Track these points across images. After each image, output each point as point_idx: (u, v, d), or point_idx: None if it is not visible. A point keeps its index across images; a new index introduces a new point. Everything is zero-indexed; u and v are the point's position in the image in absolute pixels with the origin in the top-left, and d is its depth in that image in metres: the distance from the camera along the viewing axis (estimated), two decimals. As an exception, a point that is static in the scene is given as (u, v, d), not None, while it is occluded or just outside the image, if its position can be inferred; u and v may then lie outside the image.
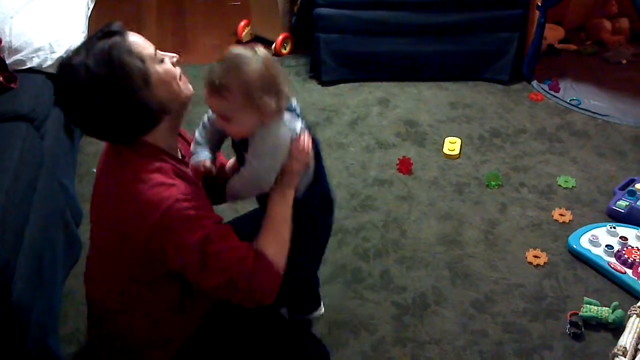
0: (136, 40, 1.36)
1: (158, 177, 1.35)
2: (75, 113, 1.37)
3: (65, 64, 1.33)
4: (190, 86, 1.46)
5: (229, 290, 1.36)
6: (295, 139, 1.49)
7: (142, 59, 1.33)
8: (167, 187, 1.34)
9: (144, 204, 1.32)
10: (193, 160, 1.51)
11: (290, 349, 1.67)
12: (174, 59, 1.42)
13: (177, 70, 1.42)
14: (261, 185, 1.50)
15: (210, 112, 1.55)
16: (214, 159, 1.55)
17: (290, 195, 1.52)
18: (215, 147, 1.59)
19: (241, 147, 1.52)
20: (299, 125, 1.50)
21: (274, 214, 1.49)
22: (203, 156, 1.52)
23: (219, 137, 1.60)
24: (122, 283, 1.46)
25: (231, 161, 1.66)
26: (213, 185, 1.60)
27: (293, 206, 1.52)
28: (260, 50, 1.41)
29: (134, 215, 1.33)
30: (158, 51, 1.40)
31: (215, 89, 1.37)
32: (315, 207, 1.66)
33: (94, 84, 1.29)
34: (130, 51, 1.32)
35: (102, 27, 1.36)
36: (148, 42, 1.39)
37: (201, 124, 1.59)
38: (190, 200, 1.34)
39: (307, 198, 1.59)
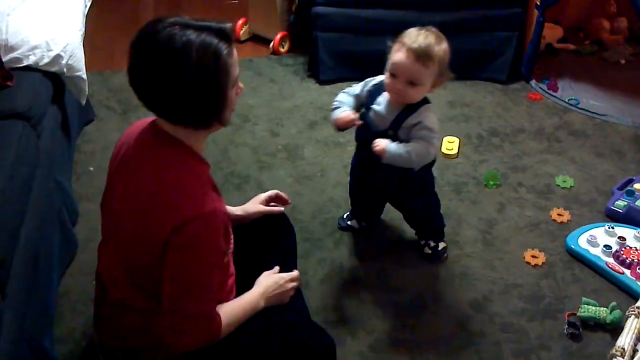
0: (235, 57, 1.39)
1: (206, 188, 1.41)
2: (151, 81, 1.35)
3: (164, 28, 1.32)
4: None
5: (171, 328, 1.40)
6: None
7: (231, 74, 1.38)
8: (212, 198, 1.39)
9: (185, 198, 1.35)
10: (339, 113, 1.86)
11: (296, 340, 1.68)
12: (239, 91, 1.47)
13: (234, 103, 1.47)
14: (433, 158, 1.91)
15: (353, 88, 1.96)
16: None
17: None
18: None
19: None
20: None
21: (252, 303, 1.56)
22: (343, 109, 1.87)
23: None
24: (143, 281, 1.47)
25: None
26: None
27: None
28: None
29: (169, 206, 1.35)
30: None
31: (425, 57, 1.71)
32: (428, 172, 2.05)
33: (193, 67, 1.31)
34: (232, 64, 1.37)
35: (219, 21, 1.37)
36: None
37: (342, 97, 1.95)
38: (224, 229, 1.42)
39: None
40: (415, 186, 2.04)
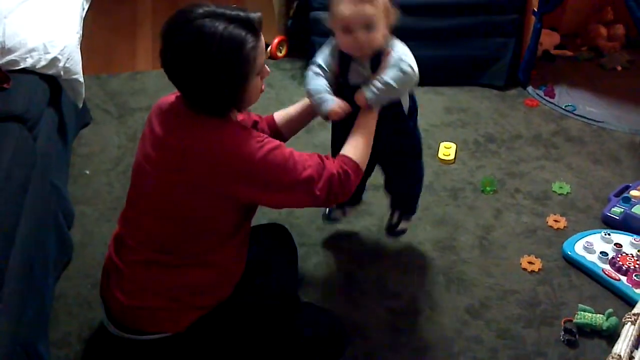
0: (261, 47, 1.47)
1: (237, 128, 1.52)
2: (178, 68, 1.44)
3: (195, 18, 1.39)
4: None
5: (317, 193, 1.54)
6: None
7: (256, 64, 1.46)
8: (248, 136, 1.49)
9: (232, 154, 1.46)
10: (326, 106, 1.68)
11: (304, 327, 1.72)
12: (266, 76, 1.56)
13: (261, 86, 1.57)
14: (415, 80, 1.70)
15: (320, 59, 1.77)
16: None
17: (377, 111, 1.73)
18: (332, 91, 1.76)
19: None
20: None
21: (365, 126, 1.70)
22: (332, 99, 1.70)
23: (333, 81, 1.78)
24: (187, 238, 1.53)
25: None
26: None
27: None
28: None
29: (224, 164, 1.46)
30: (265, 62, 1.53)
31: None
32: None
33: (217, 57, 1.39)
34: (258, 54, 1.45)
35: (247, 11, 1.44)
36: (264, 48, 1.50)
37: (313, 73, 1.77)
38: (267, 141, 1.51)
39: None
40: (405, 142, 1.93)
